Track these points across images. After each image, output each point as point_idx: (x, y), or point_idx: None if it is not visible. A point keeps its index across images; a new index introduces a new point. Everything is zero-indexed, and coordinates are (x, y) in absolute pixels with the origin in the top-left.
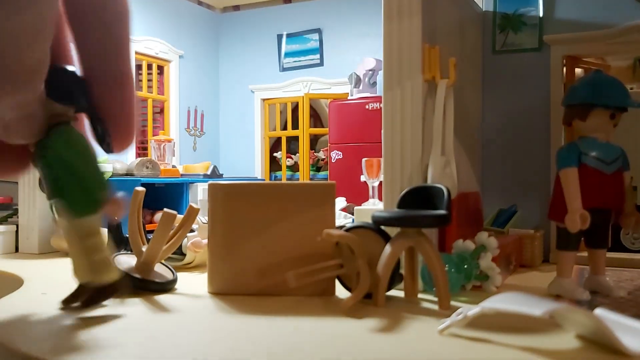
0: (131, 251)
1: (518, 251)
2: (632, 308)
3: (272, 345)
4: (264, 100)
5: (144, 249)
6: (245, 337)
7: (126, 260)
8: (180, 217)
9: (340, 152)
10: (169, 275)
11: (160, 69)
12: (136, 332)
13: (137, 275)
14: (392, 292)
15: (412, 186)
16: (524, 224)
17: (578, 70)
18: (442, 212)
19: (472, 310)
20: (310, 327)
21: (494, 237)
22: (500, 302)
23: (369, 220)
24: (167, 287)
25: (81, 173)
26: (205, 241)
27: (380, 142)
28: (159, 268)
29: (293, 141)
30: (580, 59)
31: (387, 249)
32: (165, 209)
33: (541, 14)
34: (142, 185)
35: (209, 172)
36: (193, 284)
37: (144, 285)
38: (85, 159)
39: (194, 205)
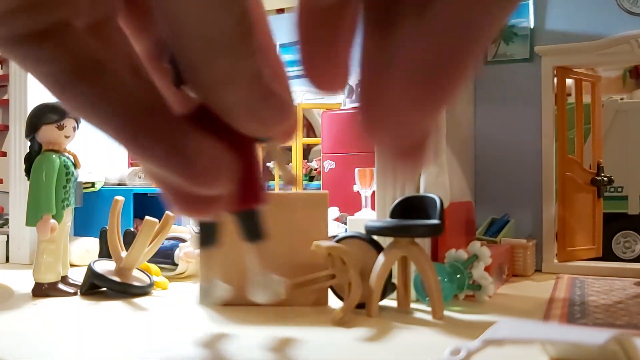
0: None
1: (511, 260)
2: (624, 317)
3: (265, 356)
4: None
5: (123, 255)
6: (238, 347)
7: (104, 265)
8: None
9: (333, 162)
10: (146, 279)
11: None
12: (129, 345)
13: (117, 279)
14: (385, 302)
15: (404, 196)
16: (517, 233)
17: (569, 81)
18: (435, 221)
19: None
20: (303, 337)
21: (486, 246)
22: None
23: (362, 230)
24: (146, 290)
25: (34, 193)
26: (198, 251)
27: (373, 152)
28: (136, 273)
29: (286, 151)
30: (570, 69)
31: (380, 258)
32: (147, 217)
33: (532, 25)
34: (135, 194)
35: None
36: (185, 294)
37: (124, 289)
38: (45, 183)
39: (170, 213)
